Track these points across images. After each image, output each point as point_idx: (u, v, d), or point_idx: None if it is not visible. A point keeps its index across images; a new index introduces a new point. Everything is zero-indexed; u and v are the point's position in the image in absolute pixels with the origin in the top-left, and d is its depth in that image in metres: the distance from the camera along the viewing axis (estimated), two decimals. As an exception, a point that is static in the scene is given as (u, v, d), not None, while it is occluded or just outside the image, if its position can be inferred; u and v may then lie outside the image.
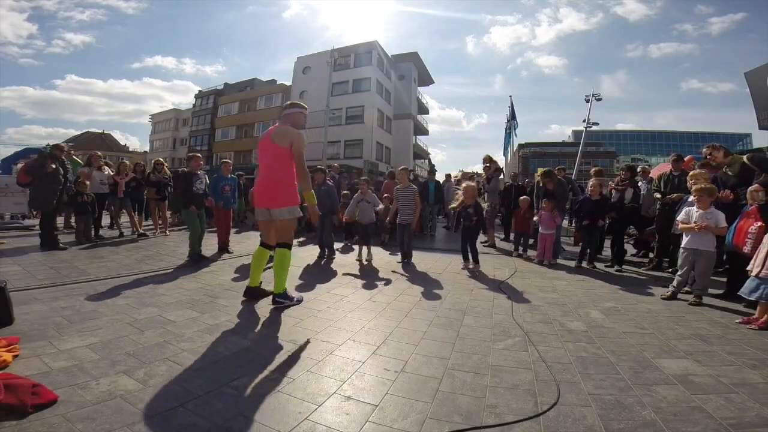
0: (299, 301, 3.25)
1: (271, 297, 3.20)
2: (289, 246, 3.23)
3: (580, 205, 5.61)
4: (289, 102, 3.38)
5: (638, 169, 6.63)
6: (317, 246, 5.78)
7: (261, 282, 3.42)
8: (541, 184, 6.07)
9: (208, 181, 5.57)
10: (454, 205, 5.41)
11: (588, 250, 5.54)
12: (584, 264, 5.50)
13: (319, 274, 4.63)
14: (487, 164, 7.78)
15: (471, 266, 5.03)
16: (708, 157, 4.57)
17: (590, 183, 5.58)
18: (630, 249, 6.50)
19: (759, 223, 3.42)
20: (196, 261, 4.92)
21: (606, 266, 5.61)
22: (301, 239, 7.19)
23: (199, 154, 5.66)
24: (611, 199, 5.68)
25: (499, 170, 8.18)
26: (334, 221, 5.75)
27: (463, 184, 5.48)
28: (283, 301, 3.15)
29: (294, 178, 3.17)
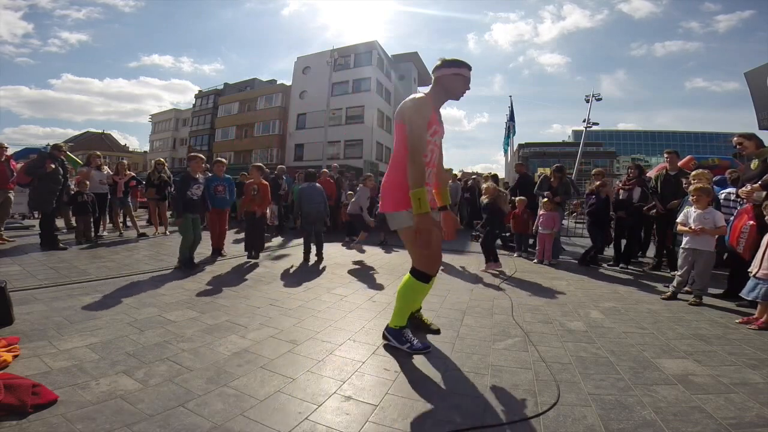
0: (413, 348, 2.35)
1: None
2: (420, 276, 2.30)
3: (599, 205, 5.69)
4: (440, 60, 2.35)
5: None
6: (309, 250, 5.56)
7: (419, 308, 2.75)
8: (551, 179, 6.10)
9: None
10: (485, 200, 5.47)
11: (592, 251, 5.65)
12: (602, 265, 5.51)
13: (318, 274, 4.63)
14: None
15: (491, 268, 5.04)
16: (738, 147, 4.16)
17: (597, 183, 5.78)
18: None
19: (751, 222, 3.42)
20: (187, 267, 4.62)
21: (609, 264, 5.63)
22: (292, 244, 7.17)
23: (201, 156, 5.26)
24: (619, 197, 5.77)
25: None
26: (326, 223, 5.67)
27: (484, 185, 5.62)
28: (390, 338, 2.43)
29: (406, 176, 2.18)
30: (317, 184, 5.65)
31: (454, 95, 2.38)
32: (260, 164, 5.98)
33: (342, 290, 3.85)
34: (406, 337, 2.40)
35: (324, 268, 4.93)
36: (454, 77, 2.32)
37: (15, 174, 5.70)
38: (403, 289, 2.37)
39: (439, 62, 2.36)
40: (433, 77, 2.39)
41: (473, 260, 5.70)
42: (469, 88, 2.40)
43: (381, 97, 28.38)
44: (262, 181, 5.56)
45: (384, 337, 2.48)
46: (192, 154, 5.27)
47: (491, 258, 5.02)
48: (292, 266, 4.99)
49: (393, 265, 5.24)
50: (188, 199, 4.76)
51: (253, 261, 5.24)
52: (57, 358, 2.03)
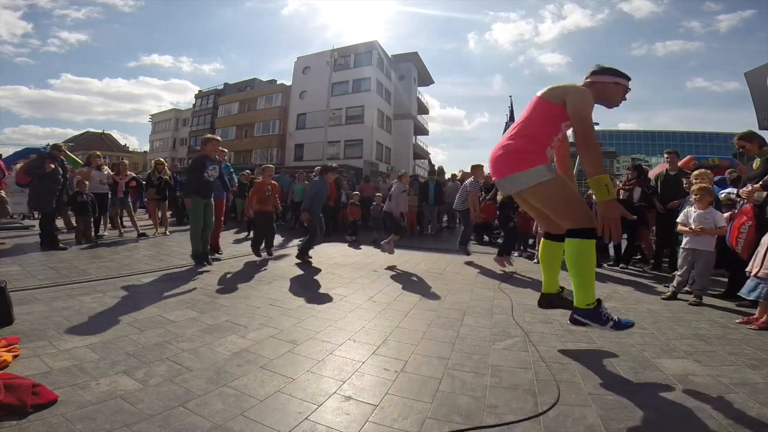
0: (619, 325, 2.15)
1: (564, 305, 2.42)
2: (587, 233, 2.07)
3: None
4: (597, 66, 2.30)
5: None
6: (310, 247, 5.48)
7: (561, 289, 2.53)
8: None
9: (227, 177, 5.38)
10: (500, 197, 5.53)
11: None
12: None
13: (318, 274, 4.63)
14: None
15: (501, 262, 5.17)
16: (741, 149, 4.05)
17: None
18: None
19: (750, 222, 3.42)
20: (200, 262, 4.65)
21: (609, 264, 5.64)
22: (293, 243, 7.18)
23: (217, 138, 5.07)
24: (619, 198, 5.78)
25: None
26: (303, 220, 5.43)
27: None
28: (586, 321, 2.16)
29: (537, 144, 2.15)
30: (317, 178, 5.64)
31: (609, 103, 2.30)
32: (271, 165, 6.21)
33: (342, 290, 3.85)
34: (606, 315, 2.13)
35: (324, 269, 4.93)
36: (614, 86, 2.27)
37: (5, 173, 5.77)
38: (574, 259, 2.08)
39: (596, 68, 2.29)
40: (586, 80, 2.32)
41: (473, 260, 5.70)
42: (626, 99, 2.30)
43: (381, 97, 28.36)
44: (273, 183, 5.83)
45: (575, 322, 2.22)
46: (208, 136, 5.11)
47: (505, 252, 5.24)
48: (292, 266, 4.99)
49: (392, 265, 5.24)
50: (204, 181, 4.66)
51: (261, 259, 5.33)
52: (57, 358, 2.03)
